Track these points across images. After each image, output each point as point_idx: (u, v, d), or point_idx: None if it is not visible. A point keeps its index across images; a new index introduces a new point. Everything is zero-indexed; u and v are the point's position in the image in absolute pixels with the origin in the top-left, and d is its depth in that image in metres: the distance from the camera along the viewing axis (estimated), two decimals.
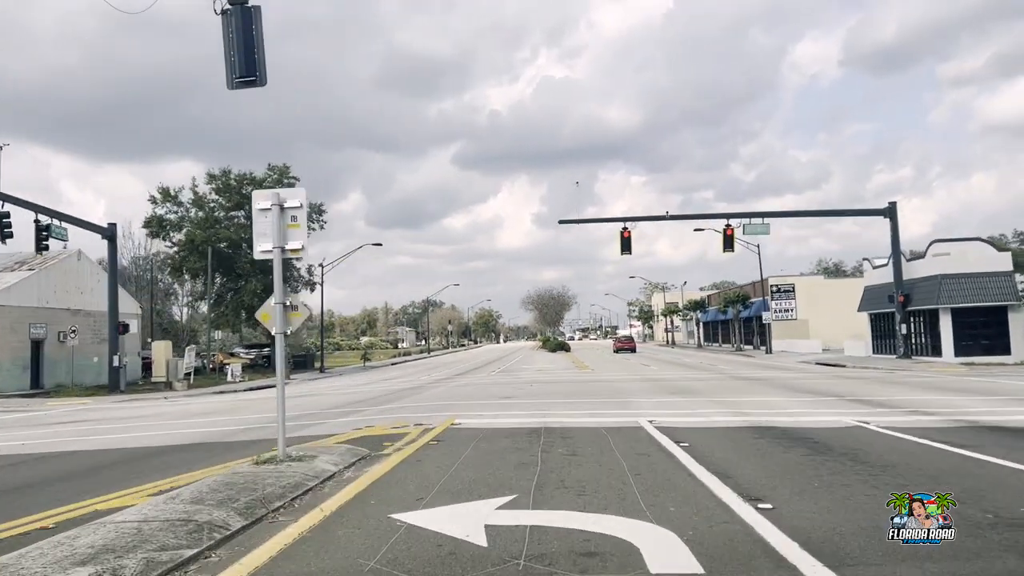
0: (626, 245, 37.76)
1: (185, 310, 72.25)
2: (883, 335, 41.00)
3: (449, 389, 25.15)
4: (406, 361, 72.94)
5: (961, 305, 33.60)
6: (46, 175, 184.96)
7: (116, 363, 34.19)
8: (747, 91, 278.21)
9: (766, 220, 37.63)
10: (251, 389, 36.87)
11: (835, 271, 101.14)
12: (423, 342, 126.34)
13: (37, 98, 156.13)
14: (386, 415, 16.17)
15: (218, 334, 44.22)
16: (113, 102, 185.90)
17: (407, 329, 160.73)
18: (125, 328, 34.53)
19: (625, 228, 37.97)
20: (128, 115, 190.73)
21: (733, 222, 37.49)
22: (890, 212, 37.15)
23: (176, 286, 68.12)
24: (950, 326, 34.00)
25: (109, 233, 34.35)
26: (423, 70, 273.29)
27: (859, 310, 43.37)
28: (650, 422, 13.13)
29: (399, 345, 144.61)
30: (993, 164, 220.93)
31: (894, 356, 37.66)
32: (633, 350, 67.67)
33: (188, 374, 40.29)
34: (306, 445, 10.48)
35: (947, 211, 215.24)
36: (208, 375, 45.65)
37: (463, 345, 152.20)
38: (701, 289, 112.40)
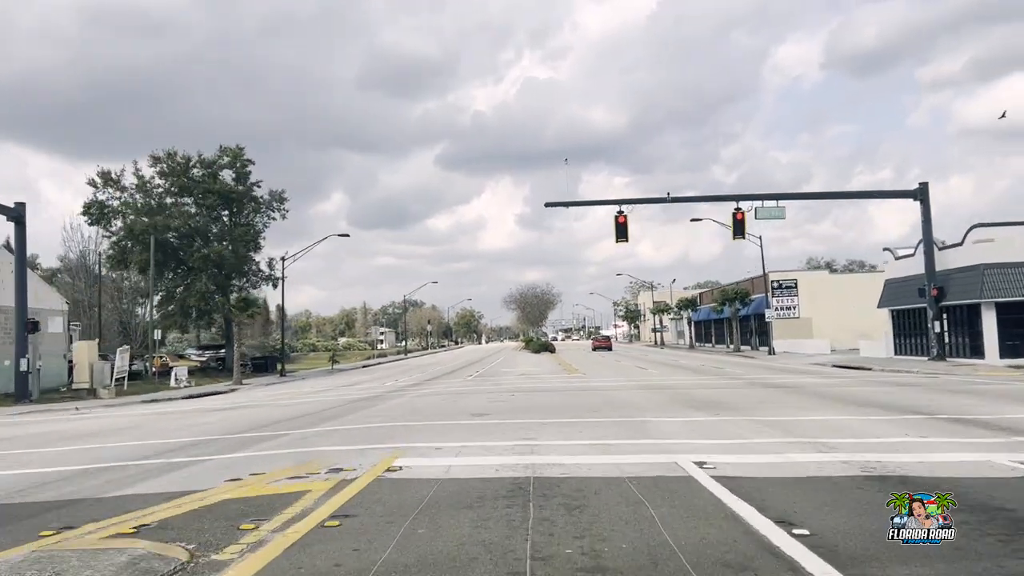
0: (622, 231, 33.02)
1: (140, 310, 66.72)
2: (908, 334, 36.57)
3: (411, 400, 20.22)
4: (380, 363, 67.87)
5: (1009, 299, 29.16)
6: (24, 174, 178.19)
7: (24, 367, 28.95)
8: (729, 93, 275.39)
9: (780, 203, 33.04)
10: (190, 397, 31.84)
11: (827, 270, 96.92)
12: (406, 343, 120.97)
13: (15, 95, 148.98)
14: (303, 447, 11.24)
15: (158, 333, 38.94)
16: (93, 101, 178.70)
17: (383, 330, 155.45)
18: (34, 326, 29.26)
19: (620, 212, 33.24)
20: (108, 114, 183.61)
21: (744, 206, 32.87)
22: (921, 193, 32.71)
23: (143, 283, 62.79)
24: (994, 323, 29.57)
25: (15, 214, 29.07)
26: (407, 70, 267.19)
27: (879, 306, 38.93)
28: (699, 465, 8.36)
29: (378, 346, 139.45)
30: (971, 167, 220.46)
31: (925, 358, 33.21)
32: (609, 348, 74.80)
33: (121, 379, 35.27)
34: (69, 540, 5.50)
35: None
36: (148, 380, 40.41)
37: (443, 346, 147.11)
38: (685, 289, 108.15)
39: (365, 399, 21.93)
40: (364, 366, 62.17)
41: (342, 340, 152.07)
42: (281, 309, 51.39)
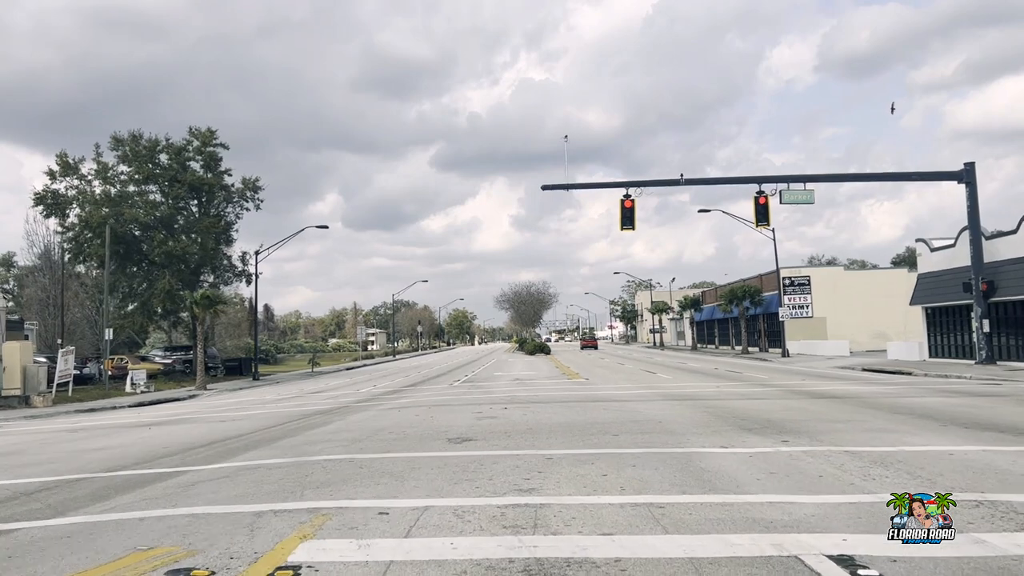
0: (628, 217, 29.23)
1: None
2: (946, 333, 32.84)
3: (377, 416, 16.26)
4: (365, 366, 63.98)
5: None
6: (19, 174, 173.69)
7: None
8: (724, 95, 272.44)
9: (808, 186, 29.26)
10: (139, 405, 28.00)
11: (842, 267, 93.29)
12: (395, 344, 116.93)
13: (11, 96, 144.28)
14: (177, 506, 7.26)
15: (110, 333, 34.91)
16: (90, 101, 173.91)
17: (371, 331, 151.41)
18: None
19: (627, 196, 29.43)
20: (103, 115, 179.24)
21: (767, 189, 29.09)
22: (967, 175, 28.97)
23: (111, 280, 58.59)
24: None
25: None
26: (403, 72, 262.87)
27: (912, 303, 35.20)
28: (846, 567, 4.50)
29: (369, 347, 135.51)
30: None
31: (967, 361, 29.56)
32: (595, 347, 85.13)
33: (64, 384, 31.38)
34: None
35: (918, 215, 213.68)
36: (99, 385, 36.43)
37: (435, 347, 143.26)
38: (680, 289, 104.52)
39: (324, 412, 18.00)
40: (348, 368, 58.28)
41: (332, 341, 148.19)
42: (254, 306, 47.32)
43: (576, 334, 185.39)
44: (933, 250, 33.70)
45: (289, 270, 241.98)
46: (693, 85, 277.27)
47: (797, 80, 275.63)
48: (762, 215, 28.96)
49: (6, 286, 79.54)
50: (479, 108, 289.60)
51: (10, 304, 71.48)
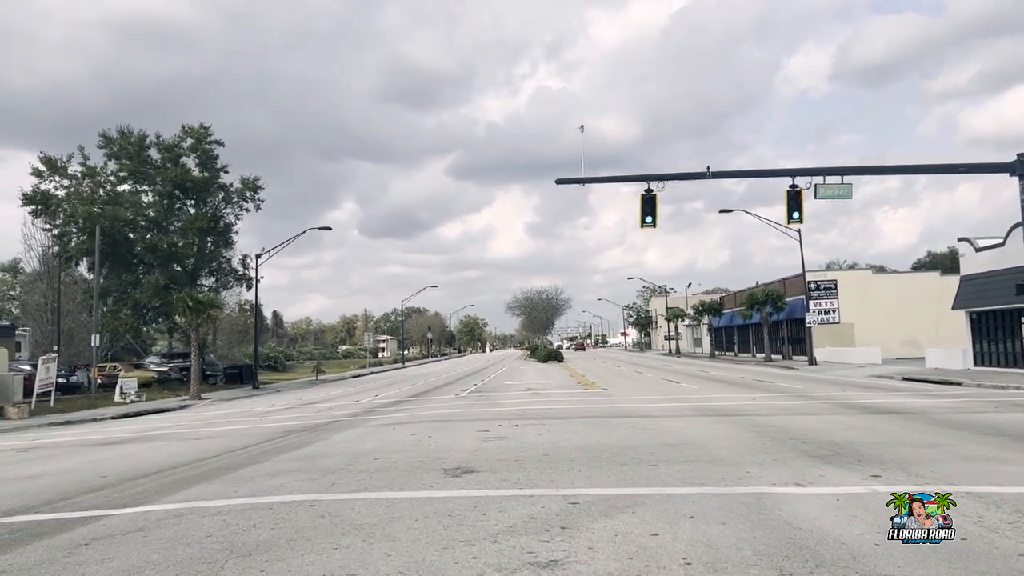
0: (648, 209, 26.90)
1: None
2: (993, 340, 30.30)
3: (363, 436, 13.99)
4: (372, 373, 61.80)
5: None
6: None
7: None
8: (740, 104, 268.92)
9: (846, 179, 26.86)
10: (124, 416, 26.09)
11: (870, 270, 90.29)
12: (405, 351, 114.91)
13: (39, 107, 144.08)
14: None
15: (95, 339, 32.84)
16: (115, 112, 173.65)
17: (381, 337, 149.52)
18: None
19: (649, 189, 27.12)
20: (133, 125, 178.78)
21: (801, 182, 26.70)
22: (1020, 166, 26.45)
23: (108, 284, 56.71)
24: None
25: None
26: (424, 83, 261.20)
27: (954, 307, 32.65)
28: None
29: (379, 354, 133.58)
30: (977, 176, 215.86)
31: (1020, 370, 27.03)
32: (583, 349, 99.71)
33: (46, 393, 29.47)
34: None
35: (932, 221, 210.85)
36: (85, 394, 34.39)
37: (445, 354, 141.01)
38: (694, 295, 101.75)
39: (310, 428, 15.80)
40: (354, 376, 56.13)
41: (343, 348, 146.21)
42: (256, 312, 45.26)
43: (588, 341, 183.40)
44: (979, 250, 31.19)
45: (305, 277, 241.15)
46: (709, 94, 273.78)
47: (813, 89, 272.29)
48: (795, 208, 26.56)
49: (12, 292, 77.93)
50: (497, 117, 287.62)
51: (16, 311, 69.94)
